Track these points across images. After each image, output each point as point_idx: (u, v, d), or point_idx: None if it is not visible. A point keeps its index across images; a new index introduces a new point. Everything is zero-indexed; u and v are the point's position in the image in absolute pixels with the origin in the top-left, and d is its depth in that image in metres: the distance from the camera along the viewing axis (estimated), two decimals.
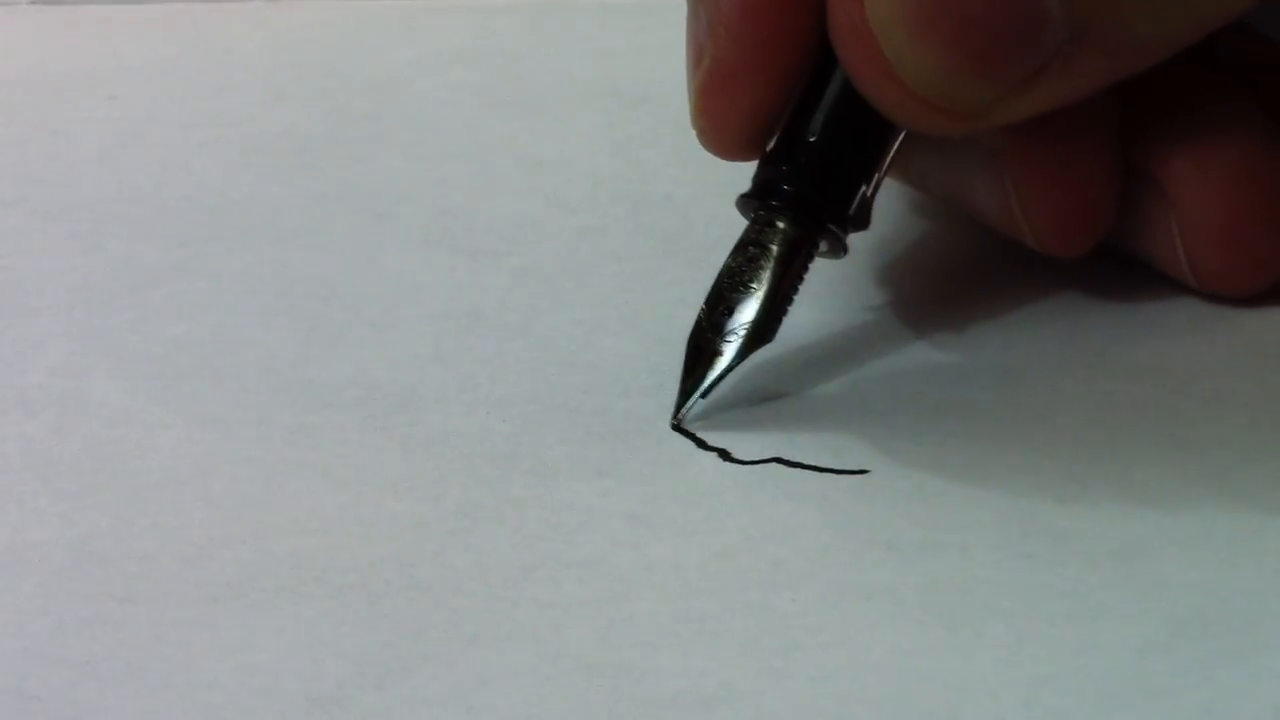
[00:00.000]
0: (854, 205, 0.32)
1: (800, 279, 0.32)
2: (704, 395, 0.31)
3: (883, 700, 0.25)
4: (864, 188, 0.32)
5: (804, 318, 0.32)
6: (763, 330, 0.31)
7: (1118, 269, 0.34)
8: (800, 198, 0.31)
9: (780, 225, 0.32)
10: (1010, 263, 0.35)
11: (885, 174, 0.32)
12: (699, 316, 0.32)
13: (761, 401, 0.32)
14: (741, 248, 0.32)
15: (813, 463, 0.30)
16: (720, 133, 0.32)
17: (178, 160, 0.41)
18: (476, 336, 0.34)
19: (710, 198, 0.38)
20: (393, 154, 0.41)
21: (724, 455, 0.30)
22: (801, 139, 0.31)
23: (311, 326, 0.34)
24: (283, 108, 0.43)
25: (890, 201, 0.36)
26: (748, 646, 0.26)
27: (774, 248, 0.31)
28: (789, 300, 0.32)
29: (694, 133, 0.33)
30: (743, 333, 0.31)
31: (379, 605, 0.27)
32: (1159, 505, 0.29)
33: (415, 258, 0.37)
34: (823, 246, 0.32)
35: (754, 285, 0.31)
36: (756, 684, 0.26)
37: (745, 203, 0.32)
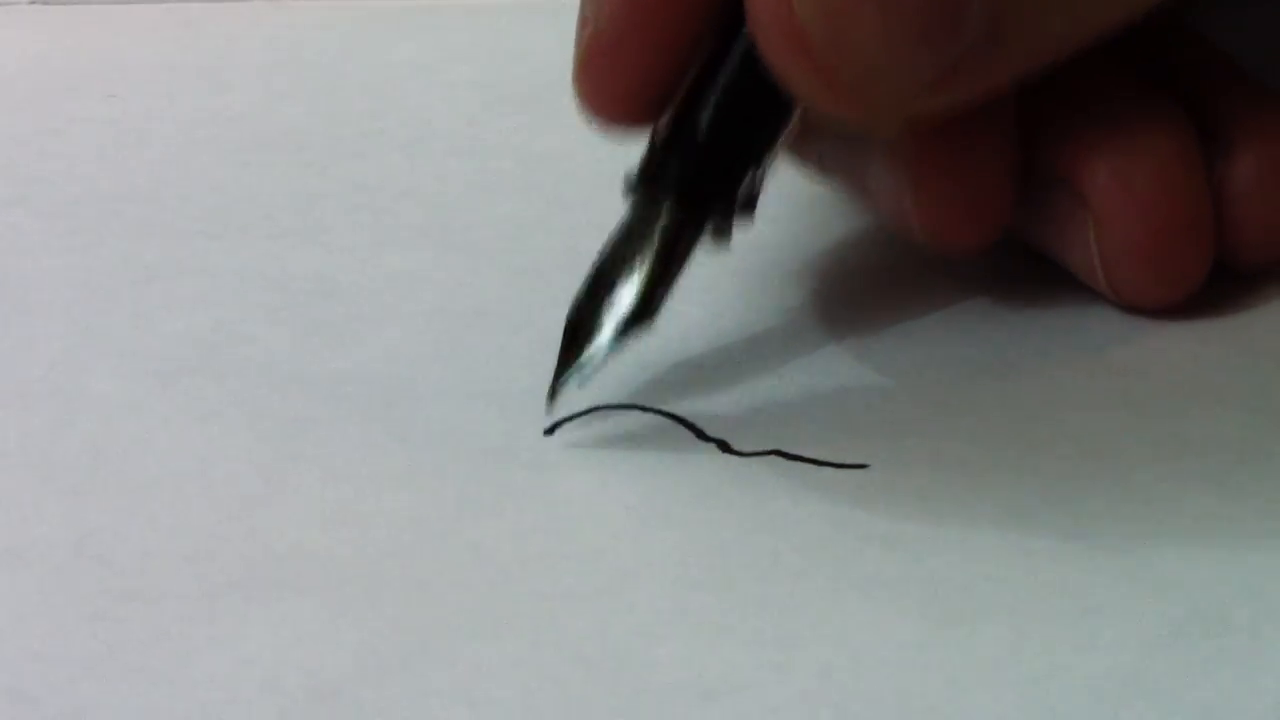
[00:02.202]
0: (740, 193, 0.31)
1: (682, 267, 0.31)
2: (581, 381, 0.31)
3: (882, 695, 0.25)
4: (751, 178, 0.31)
5: (803, 310, 0.32)
6: (641, 314, 0.31)
7: None
8: (685, 184, 0.31)
9: (663, 210, 0.31)
10: (1011, 259, 0.35)
11: (773, 162, 0.31)
12: (576, 301, 0.31)
13: (760, 393, 0.32)
14: (624, 230, 0.31)
15: (812, 456, 0.30)
16: (599, 104, 0.32)
17: (177, 158, 0.41)
18: (475, 332, 0.34)
19: None
20: (391, 151, 0.41)
21: (723, 447, 0.30)
22: (691, 122, 0.31)
23: (310, 322, 0.34)
24: (282, 106, 0.43)
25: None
26: (747, 639, 0.26)
27: (656, 232, 0.31)
28: (671, 285, 0.31)
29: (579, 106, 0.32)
30: (622, 315, 0.31)
31: (378, 599, 0.27)
32: (1159, 504, 0.29)
33: (414, 254, 0.37)
34: (708, 233, 0.31)
35: (635, 269, 0.31)
36: (755, 677, 0.26)
37: (629, 183, 0.31)
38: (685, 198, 0.31)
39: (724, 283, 0.35)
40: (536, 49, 0.46)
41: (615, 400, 0.32)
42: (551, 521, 0.29)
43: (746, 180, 0.31)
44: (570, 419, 0.31)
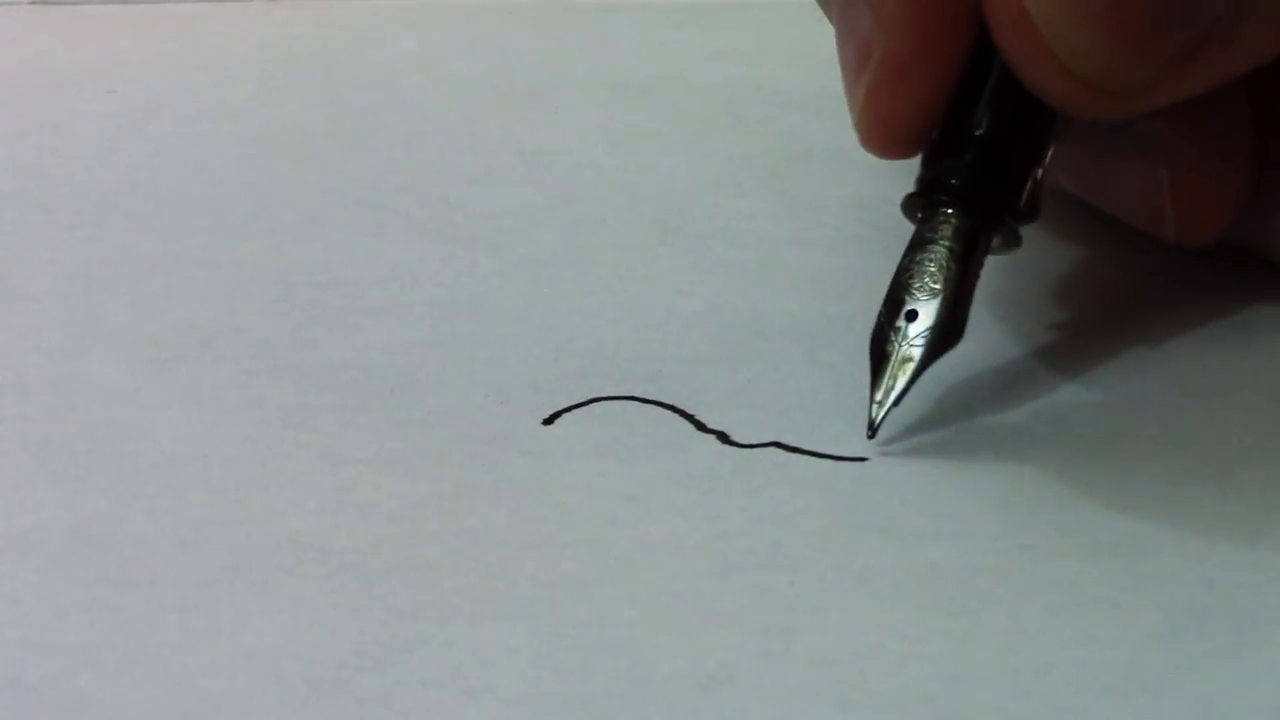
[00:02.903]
0: (1024, 195, 0.31)
1: (979, 275, 0.31)
2: (896, 403, 0.30)
3: (880, 685, 0.25)
4: (1033, 176, 0.31)
5: (803, 305, 0.32)
6: (949, 330, 0.30)
7: (1118, 268, 0.34)
8: (972, 191, 0.30)
9: (954, 221, 0.31)
10: (1011, 258, 0.35)
11: (1051, 161, 0.31)
12: (879, 321, 0.30)
13: (761, 385, 0.32)
14: (916, 246, 0.31)
15: (811, 448, 0.30)
16: (892, 130, 0.31)
17: (176, 153, 0.41)
18: (474, 322, 0.34)
19: (707, 188, 0.38)
20: (391, 146, 0.41)
21: (723, 438, 0.30)
22: (965, 132, 0.31)
23: (309, 311, 0.34)
24: (281, 102, 0.43)
25: (889, 195, 0.36)
26: (746, 629, 0.26)
27: (950, 245, 0.30)
28: (970, 298, 0.31)
29: (856, 137, 0.32)
30: (929, 335, 0.30)
31: (376, 587, 0.27)
32: (1158, 500, 0.29)
33: (414, 247, 0.37)
34: (997, 240, 0.31)
35: (934, 285, 0.30)
36: (754, 666, 0.26)
37: (912, 202, 0.31)
38: (972, 207, 0.31)
39: (725, 275, 0.35)
40: (535, 44, 0.46)
41: (615, 391, 0.32)
42: (550, 511, 0.29)
43: (1030, 183, 0.31)
44: (569, 409, 0.31)
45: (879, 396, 0.30)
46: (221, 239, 0.37)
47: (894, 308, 0.30)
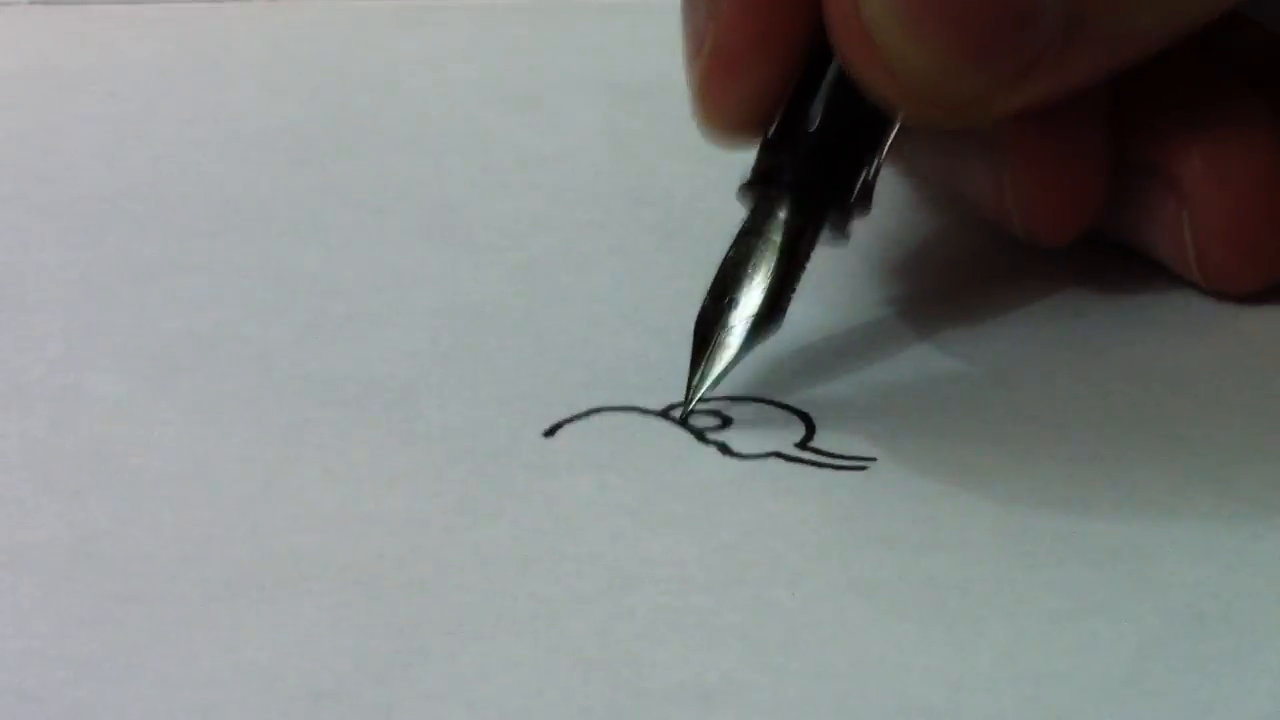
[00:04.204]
0: (855, 190, 0.31)
1: (803, 266, 0.31)
2: (712, 387, 0.31)
3: (881, 696, 0.25)
4: (865, 172, 0.31)
5: (802, 314, 0.32)
6: (768, 319, 0.31)
7: (1118, 268, 0.34)
8: (801, 184, 0.31)
9: (781, 213, 0.31)
10: (1010, 261, 0.35)
11: (885, 159, 0.32)
12: (703, 307, 0.31)
13: (760, 396, 0.32)
14: (743, 236, 0.31)
15: (811, 459, 0.30)
16: (722, 118, 0.32)
17: (177, 156, 0.41)
18: (475, 331, 0.34)
19: (709, 192, 0.38)
20: (391, 150, 0.41)
21: (723, 449, 0.30)
22: (801, 126, 0.31)
23: (310, 321, 0.34)
24: (282, 105, 0.43)
25: (891, 193, 0.36)
26: (747, 641, 0.26)
27: (776, 236, 0.31)
28: (793, 288, 0.31)
29: (694, 121, 0.33)
30: (748, 323, 0.31)
31: (378, 601, 0.27)
32: (1158, 505, 0.29)
33: (414, 253, 0.37)
34: (826, 232, 0.32)
35: (757, 274, 0.31)
36: (756, 678, 0.26)
37: (745, 191, 0.32)
38: (802, 198, 0.31)
39: None
40: (536, 46, 0.46)
41: (616, 401, 0.32)
42: (551, 523, 0.29)
43: (861, 176, 0.31)
44: (570, 421, 0.31)
45: (695, 380, 0.31)
46: (222, 244, 0.37)
47: (717, 295, 0.31)
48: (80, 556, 0.28)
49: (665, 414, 0.31)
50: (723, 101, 0.32)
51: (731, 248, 0.31)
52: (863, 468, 0.30)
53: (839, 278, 0.33)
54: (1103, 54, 0.31)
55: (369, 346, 0.34)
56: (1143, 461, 0.30)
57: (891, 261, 0.35)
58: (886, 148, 0.32)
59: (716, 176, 0.37)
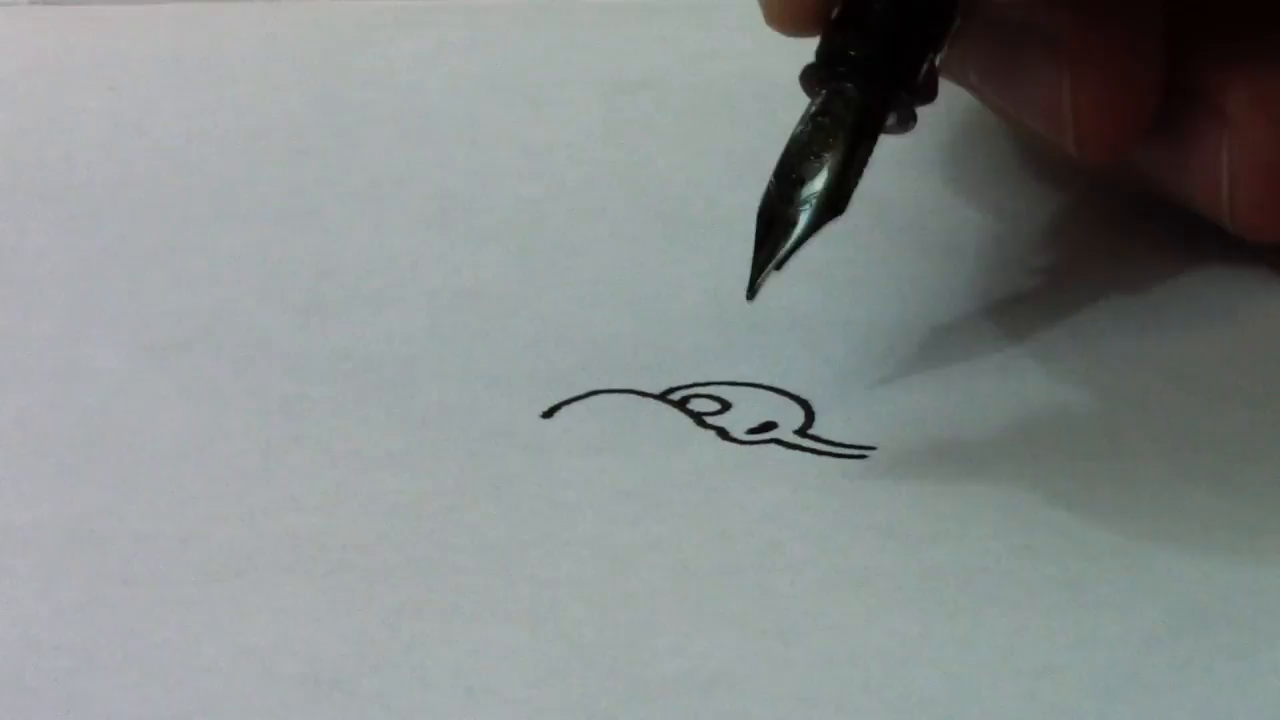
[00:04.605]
0: (921, 75, 0.31)
1: (870, 149, 0.31)
2: (778, 267, 0.30)
3: (880, 686, 0.25)
4: (931, 56, 0.31)
5: (803, 300, 0.32)
6: (835, 199, 0.30)
7: (1119, 264, 0.34)
8: (869, 63, 0.31)
9: (848, 93, 0.31)
10: (1014, 254, 0.35)
11: (950, 43, 0.31)
12: (768, 188, 0.31)
13: (760, 380, 0.32)
14: (810, 117, 0.31)
15: (811, 445, 0.30)
16: (793, 7, 0.32)
17: (177, 154, 0.41)
18: (473, 314, 0.34)
19: (705, 181, 0.38)
20: (391, 142, 0.41)
21: (722, 434, 0.30)
22: (866, 6, 0.31)
23: (309, 303, 0.34)
24: (282, 99, 0.43)
25: (891, 188, 0.36)
26: (746, 629, 0.26)
27: (844, 114, 0.31)
28: (860, 171, 0.31)
29: (761, 15, 0.32)
30: (814, 202, 0.30)
31: (376, 584, 0.27)
32: (1159, 500, 0.29)
33: (413, 239, 0.37)
34: (891, 118, 0.31)
35: (825, 154, 0.30)
36: (755, 666, 0.26)
37: (810, 74, 0.31)
38: (869, 81, 0.31)
39: (725, 269, 0.35)
40: (535, 42, 0.46)
41: (615, 385, 0.32)
42: (549, 507, 0.29)
43: (925, 64, 0.31)
44: (569, 402, 0.31)
45: (761, 258, 0.30)
46: (220, 233, 0.37)
47: (783, 175, 0.31)
48: (76, 538, 0.28)
49: (664, 397, 0.31)
50: None
51: (797, 128, 0.31)
52: (863, 456, 0.30)
53: (839, 264, 0.33)
54: None
55: (367, 328, 0.33)
56: (1145, 456, 0.30)
57: (890, 248, 0.35)
58: (953, 32, 0.31)
59: (713, 165, 0.38)
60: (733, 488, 0.29)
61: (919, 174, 0.36)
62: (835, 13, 0.31)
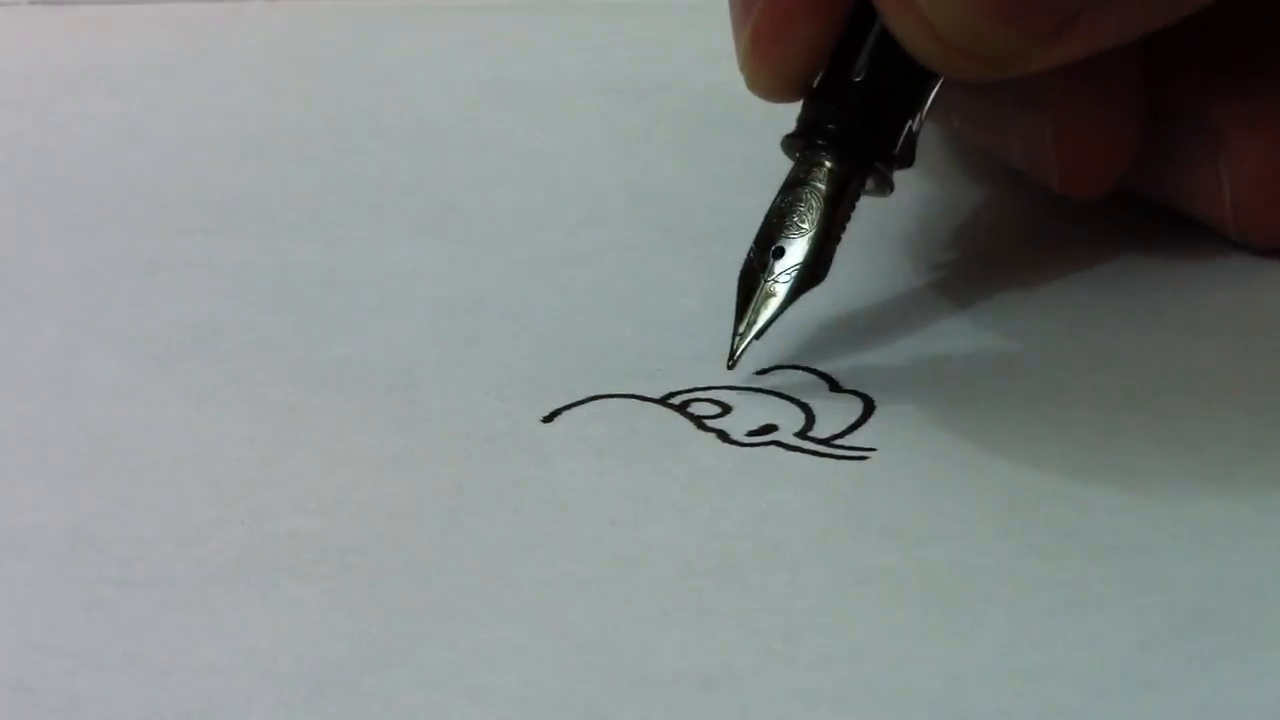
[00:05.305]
0: (899, 143, 0.32)
1: (848, 217, 0.32)
2: (758, 337, 0.31)
3: (881, 685, 0.25)
4: (909, 125, 0.32)
5: (804, 303, 0.32)
6: (814, 270, 0.31)
7: (1120, 264, 0.35)
8: (847, 135, 0.31)
9: (827, 163, 0.32)
10: (1013, 255, 0.35)
11: (929, 111, 0.32)
12: (748, 257, 0.32)
13: (759, 383, 0.32)
14: (789, 187, 0.32)
15: (811, 447, 0.30)
16: (771, 77, 0.32)
17: (177, 155, 0.41)
18: (475, 320, 0.34)
19: (707, 189, 0.38)
20: (391, 147, 0.41)
21: (722, 436, 0.30)
22: (846, 78, 0.32)
23: (310, 310, 0.34)
24: (282, 103, 0.43)
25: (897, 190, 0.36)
26: (747, 628, 0.26)
27: (822, 186, 0.31)
28: (838, 237, 0.32)
29: (743, 81, 0.33)
30: (794, 273, 0.31)
31: (377, 586, 0.27)
32: (1161, 499, 0.29)
33: (414, 247, 0.37)
34: (869, 184, 0.32)
35: (803, 225, 0.31)
36: (755, 666, 0.26)
37: (791, 142, 0.32)
38: (847, 147, 0.32)
39: (724, 274, 0.35)
40: (535, 46, 0.46)
41: (616, 390, 0.32)
42: (550, 510, 0.29)
43: (905, 128, 0.32)
44: (569, 407, 0.31)
45: (741, 329, 0.31)
46: (222, 239, 0.37)
47: (764, 244, 0.32)
48: (78, 542, 0.28)
49: (664, 401, 0.31)
50: (772, 61, 0.32)
51: (777, 198, 0.32)
52: (863, 457, 0.30)
53: (839, 268, 0.33)
54: (1140, 12, 0.31)
55: (369, 335, 0.34)
56: (1146, 455, 0.30)
57: (889, 251, 0.35)
58: (930, 101, 0.32)
59: (714, 173, 0.38)
60: (732, 489, 0.29)
61: (918, 177, 0.36)
62: (816, 83, 0.32)
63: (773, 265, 0.31)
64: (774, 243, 0.31)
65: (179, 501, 0.29)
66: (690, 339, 0.33)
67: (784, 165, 0.34)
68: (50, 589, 0.28)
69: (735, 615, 0.27)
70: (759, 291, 0.31)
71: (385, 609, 0.27)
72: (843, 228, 0.32)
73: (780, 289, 0.31)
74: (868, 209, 0.33)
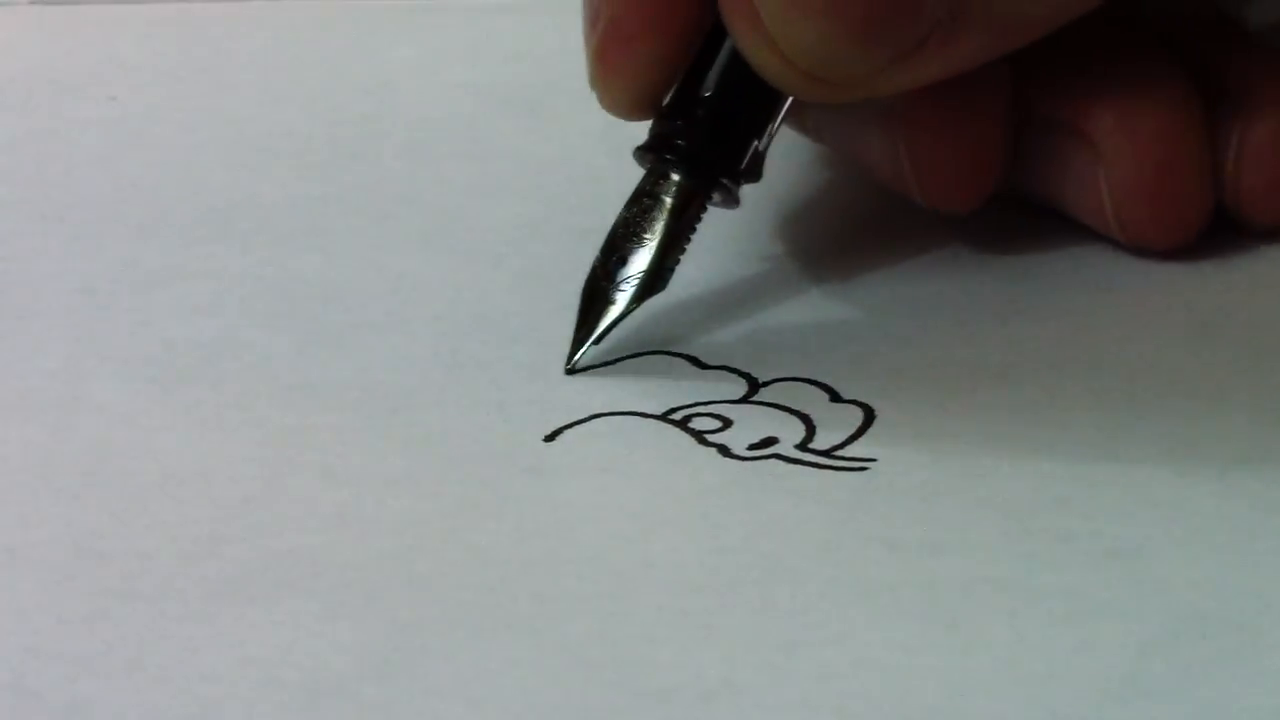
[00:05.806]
0: (746, 159, 0.32)
1: (692, 229, 0.33)
2: (596, 342, 0.32)
3: (882, 698, 0.25)
4: (756, 142, 0.32)
5: (802, 315, 0.32)
6: (654, 279, 0.32)
7: (1118, 268, 0.35)
8: (693, 151, 0.32)
9: (673, 177, 0.32)
10: (1010, 261, 0.35)
11: (778, 129, 0.33)
12: (594, 265, 0.32)
13: (759, 395, 0.32)
14: (636, 199, 0.33)
15: (811, 460, 0.30)
16: (617, 91, 0.33)
17: (177, 161, 0.41)
18: (476, 338, 0.34)
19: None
20: (392, 155, 0.41)
21: (723, 451, 0.30)
22: (696, 95, 0.32)
23: (311, 328, 0.34)
24: (282, 108, 0.43)
25: (884, 200, 0.36)
26: (747, 642, 0.26)
27: (666, 199, 0.32)
28: (681, 250, 0.33)
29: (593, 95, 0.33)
30: (635, 282, 0.32)
31: (378, 602, 0.27)
32: (1159, 504, 0.29)
33: (415, 259, 0.37)
34: (716, 198, 0.33)
35: (647, 236, 0.32)
36: (756, 680, 0.26)
37: (641, 155, 0.33)
38: (693, 164, 0.32)
39: (725, 284, 0.35)
40: (536, 49, 0.46)
41: (616, 406, 0.32)
42: (552, 525, 0.29)
43: (751, 148, 0.32)
44: (571, 425, 0.31)
45: (581, 335, 0.32)
46: (222, 250, 0.37)
47: (608, 253, 0.33)
48: (81, 556, 0.29)
49: (665, 417, 0.31)
50: (617, 76, 0.33)
51: (624, 209, 0.33)
52: (863, 469, 0.30)
53: (835, 278, 0.33)
54: (990, 38, 0.31)
55: (370, 352, 0.34)
56: (1143, 460, 0.30)
57: (885, 260, 0.35)
58: (779, 119, 0.33)
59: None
60: (734, 503, 0.29)
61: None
62: (667, 100, 0.33)
63: (615, 273, 0.32)
64: (617, 251, 0.32)
65: (180, 519, 0.29)
66: (692, 352, 0.33)
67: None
68: (53, 603, 0.28)
69: (736, 629, 0.27)
70: (601, 298, 0.32)
71: (386, 624, 0.27)
72: (686, 240, 0.33)
73: (620, 297, 0.32)
74: (869, 214, 0.33)
